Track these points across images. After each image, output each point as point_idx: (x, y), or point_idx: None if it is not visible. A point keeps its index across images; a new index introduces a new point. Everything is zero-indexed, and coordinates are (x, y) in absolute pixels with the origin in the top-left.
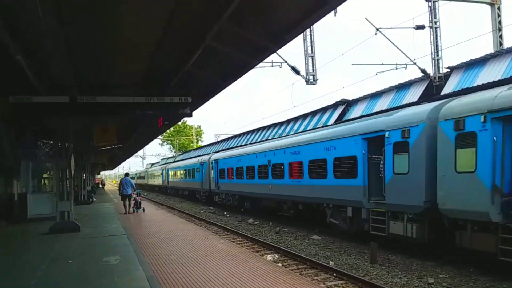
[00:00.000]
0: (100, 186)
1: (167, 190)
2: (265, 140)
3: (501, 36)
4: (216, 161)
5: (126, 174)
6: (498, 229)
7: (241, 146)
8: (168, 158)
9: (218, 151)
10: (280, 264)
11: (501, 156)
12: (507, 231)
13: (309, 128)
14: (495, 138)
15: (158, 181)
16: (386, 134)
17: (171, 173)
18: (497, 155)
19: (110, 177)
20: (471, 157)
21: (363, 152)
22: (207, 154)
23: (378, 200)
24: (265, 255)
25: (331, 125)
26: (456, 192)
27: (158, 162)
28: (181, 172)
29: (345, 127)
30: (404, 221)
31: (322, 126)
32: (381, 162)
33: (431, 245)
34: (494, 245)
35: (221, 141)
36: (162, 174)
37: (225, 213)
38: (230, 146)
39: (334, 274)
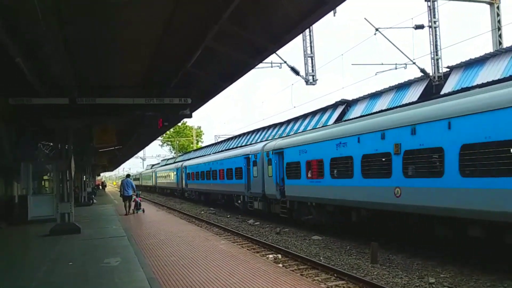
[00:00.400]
0: (101, 187)
1: (156, 189)
2: (218, 152)
3: (500, 35)
4: (186, 167)
5: (128, 176)
6: (279, 202)
7: (210, 154)
8: (168, 159)
9: (190, 159)
10: (280, 265)
11: (278, 169)
12: (282, 203)
13: (308, 128)
14: (275, 161)
15: (149, 182)
16: (250, 156)
17: (158, 175)
18: (276, 169)
19: (110, 179)
20: (271, 169)
21: (244, 165)
22: (181, 161)
23: (251, 191)
24: (266, 256)
25: (235, 148)
26: (269, 186)
27: (159, 163)
28: (164, 174)
29: (239, 151)
30: (258, 201)
31: (229, 148)
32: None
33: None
34: (279, 210)
35: (220, 142)
36: (152, 176)
37: (228, 216)
38: (230, 147)
39: (335, 275)
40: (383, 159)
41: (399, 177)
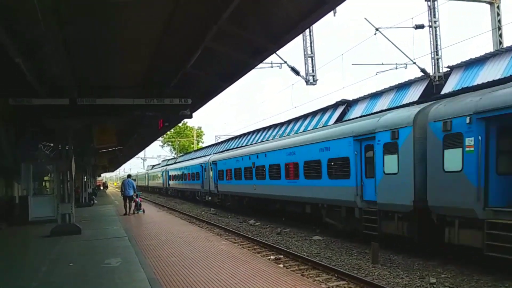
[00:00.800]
0: (102, 188)
1: (148, 188)
2: (195, 157)
3: (500, 35)
4: (168, 170)
5: (129, 176)
6: (217, 195)
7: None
8: (168, 159)
9: (172, 164)
10: (281, 265)
11: (215, 174)
12: (217, 195)
13: (309, 128)
14: (214, 169)
15: (143, 183)
16: (203, 164)
17: (150, 176)
18: (214, 174)
19: (111, 179)
20: (212, 174)
21: (200, 170)
22: (166, 165)
23: (204, 189)
24: (267, 256)
25: (191, 159)
26: (211, 185)
27: (159, 164)
28: (155, 176)
29: (197, 160)
30: (207, 195)
31: (195, 157)
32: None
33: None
34: (216, 200)
35: (220, 142)
36: (145, 177)
37: (229, 216)
38: (229, 148)
39: (336, 275)
40: (250, 170)
41: (255, 179)
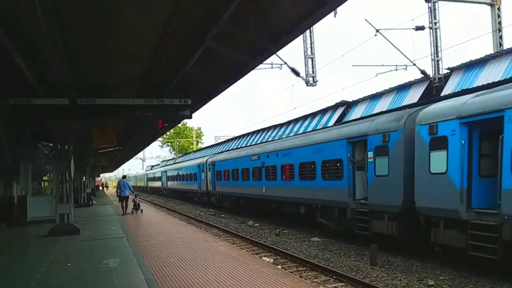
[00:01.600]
0: (101, 188)
1: (147, 189)
2: (178, 162)
3: (501, 37)
4: (147, 174)
5: (124, 177)
6: (168, 190)
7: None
8: (168, 160)
9: (151, 169)
10: (279, 267)
11: (166, 179)
12: (167, 190)
13: (308, 129)
14: (166, 176)
15: (132, 183)
16: (162, 171)
17: (137, 179)
18: (166, 179)
19: (110, 179)
20: (165, 179)
21: (162, 175)
22: (147, 171)
23: (160, 186)
24: (265, 257)
25: (166, 165)
26: (166, 185)
27: (158, 164)
28: (139, 178)
29: (159, 169)
30: (164, 191)
31: (161, 166)
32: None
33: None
34: (166, 192)
35: (220, 143)
36: (134, 179)
37: (227, 217)
38: (229, 148)
39: (334, 277)
40: (179, 176)
41: (181, 181)
